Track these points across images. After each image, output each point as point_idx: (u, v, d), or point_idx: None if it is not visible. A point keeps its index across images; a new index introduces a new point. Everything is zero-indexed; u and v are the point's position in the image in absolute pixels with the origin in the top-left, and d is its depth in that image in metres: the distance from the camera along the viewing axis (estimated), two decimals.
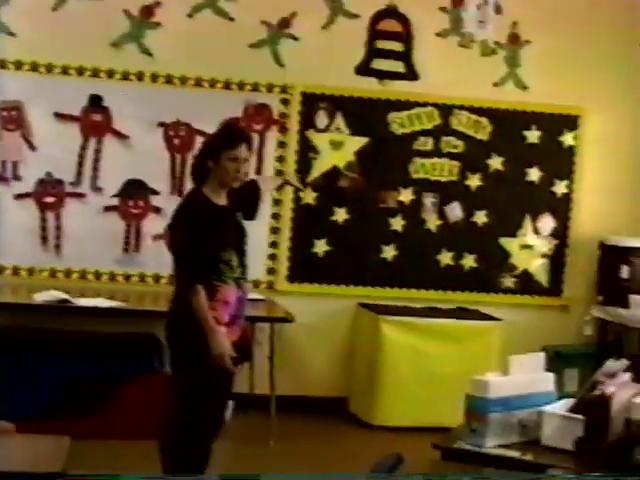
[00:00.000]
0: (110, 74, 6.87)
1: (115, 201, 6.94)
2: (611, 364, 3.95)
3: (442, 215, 7.34)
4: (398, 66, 7.23)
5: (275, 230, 7.14)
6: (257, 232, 7.04)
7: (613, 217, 7.44)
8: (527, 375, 3.98)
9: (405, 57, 7.24)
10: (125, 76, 6.89)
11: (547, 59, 7.31)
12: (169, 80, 6.95)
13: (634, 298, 6.97)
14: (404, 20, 7.20)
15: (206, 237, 4.48)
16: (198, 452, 4.56)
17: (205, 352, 4.43)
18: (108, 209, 6.92)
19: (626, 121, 7.48)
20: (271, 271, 7.16)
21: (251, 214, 4.90)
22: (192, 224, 4.51)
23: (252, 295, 6.72)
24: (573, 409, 3.85)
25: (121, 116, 6.88)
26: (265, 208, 7.06)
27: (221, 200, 4.61)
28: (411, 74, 7.25)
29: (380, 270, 7.27)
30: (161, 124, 6.94)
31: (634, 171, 7.51)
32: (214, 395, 4.58)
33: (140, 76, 6.92)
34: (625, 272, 7.19)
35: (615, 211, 7.45)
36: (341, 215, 7.21)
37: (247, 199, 4.84)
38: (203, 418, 4.57)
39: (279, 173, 7.04)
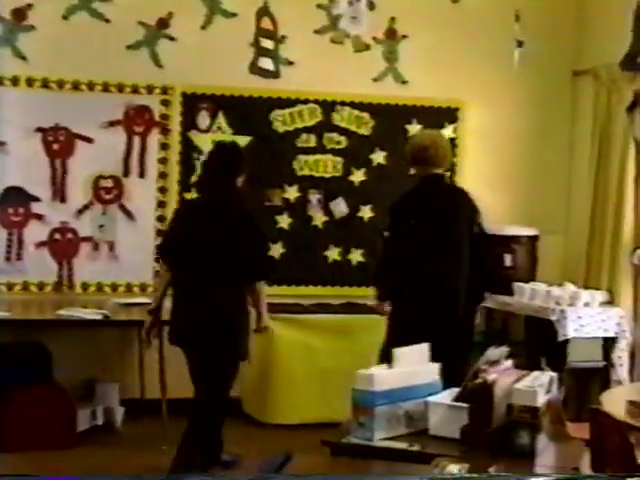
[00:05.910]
0: None
1: None
2: (492, 352, 4.02)
3: (328, 211, 7.38)
4: (270, 64, 7.24)
5: (160, 233, 7.05)
6: (142, 235, 7.00)
7: (495, 207, 7.52)
8: (412, 367, 4.02)
9: (275, 55, 7.24)
10: None
11: (425, 54, 7.41)
12: (45, 84, 6.82)
13: (518, 285, 7.11)
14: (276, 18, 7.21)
15: None
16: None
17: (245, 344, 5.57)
18: None
19: (504, 113, 7.62)
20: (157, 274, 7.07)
21: None
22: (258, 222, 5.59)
23: (140, 299, 6.69)
24: (458, 398, 3.91)
25: None
26: (149, 210, 7.03)
27: None
28: (277, 72, 7.24)
29: None
30: (39, 129, 6.81)
31: (513, 161, 7.67)
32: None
33: (15, 81, 6.78)
34: (508, 260, 7.34)
35: (496, 201, 7.56)
36: None
37: None
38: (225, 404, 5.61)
39: (162, 176, 6.97)
